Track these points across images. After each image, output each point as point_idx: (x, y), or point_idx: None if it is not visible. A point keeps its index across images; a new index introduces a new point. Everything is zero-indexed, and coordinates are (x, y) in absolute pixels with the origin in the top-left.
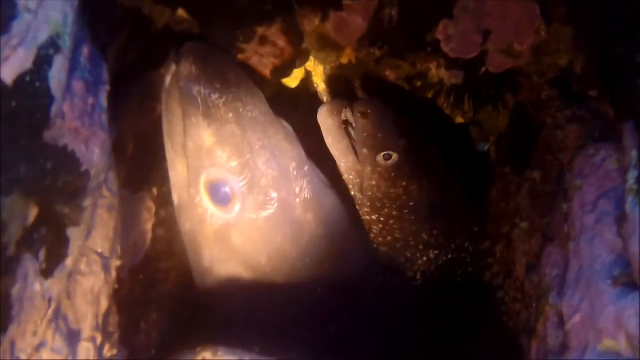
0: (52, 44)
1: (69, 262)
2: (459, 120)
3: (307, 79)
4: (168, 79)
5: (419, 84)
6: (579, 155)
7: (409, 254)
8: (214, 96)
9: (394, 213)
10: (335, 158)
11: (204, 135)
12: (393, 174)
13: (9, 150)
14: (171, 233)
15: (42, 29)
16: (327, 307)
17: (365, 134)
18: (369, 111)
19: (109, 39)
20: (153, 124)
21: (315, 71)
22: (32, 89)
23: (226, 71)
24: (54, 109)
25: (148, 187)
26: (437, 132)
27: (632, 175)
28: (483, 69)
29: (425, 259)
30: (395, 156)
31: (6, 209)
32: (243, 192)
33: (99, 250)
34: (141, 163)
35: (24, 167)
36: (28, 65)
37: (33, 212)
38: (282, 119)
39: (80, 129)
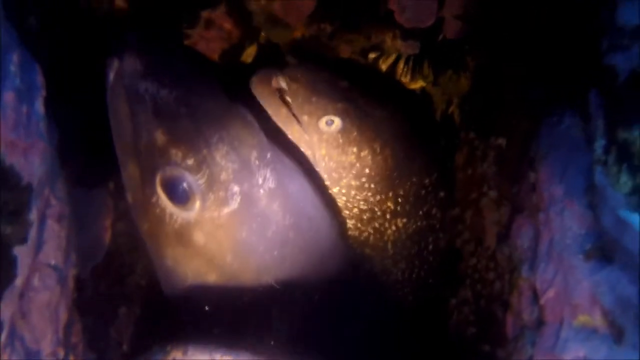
0: None
1: (18, 281)
2: (420, 83)
3: (261, 55)
4: (111, 75)
5: (373, 56)
6: (544, 123)
7: (377, 225)
8: (163, 92)
9: (353, 183)
10: (282, 130)
11: (155, 134)
12: (340, 141)
13: None
14: (132, 226)
15: None
16: (301, 296)
17: (299, 99)
18: (299, 75)
19: (43, 36)
20: (102, 116)
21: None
22: None
23: (174, 62)
24: None
25: (104, 182)
26: (390, 96)
27: (599, 145)
28: (440, 36)
29: (394, 228)
30: (337, 121)
31: None
32: (202, 190)
33: (52, 263)
34: (94, 158)
35: None
36: None
37: None
38: (238, 105)
39: (16, 141)
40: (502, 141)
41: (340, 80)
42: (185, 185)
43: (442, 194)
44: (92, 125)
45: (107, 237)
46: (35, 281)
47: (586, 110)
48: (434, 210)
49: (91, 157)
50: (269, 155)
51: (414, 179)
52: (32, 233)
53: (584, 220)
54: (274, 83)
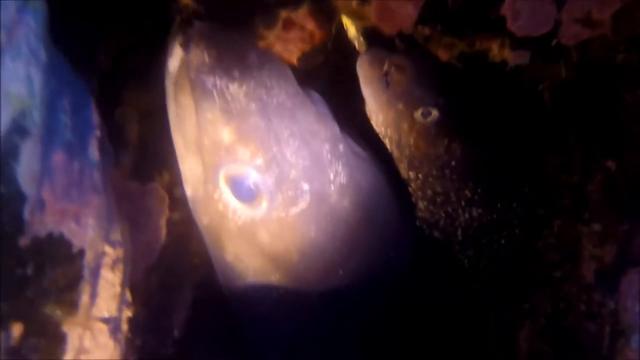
0: (17, 129)
1: (68, 356)
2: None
3: (339, 33)
4: (172, 64)
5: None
6: None
7: (449, 209)
8: (233, 87)
9: (434, 172)
10: (371, 112)
11: (223, 132)
12: (433, 132)
13: None
14: (187, 215)
15: (2, 112)
16: (372, 298)
17: (400, 89)
18: (406, 65)
19: (98, 38)
20: (156, 106)
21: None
22: None
23: (245, 53)
24: (28, 208)
25: (159, 174)
26: (483, 82)
27: None
28: (554, 42)
29: (467, 216)
30: (435, 112)
31: None
32: (270, 190)
33: (105, 316)
34: (148, 148)
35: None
36: None
37: (17, 331)
38: (312, 93)
39: (66, 207)
40: (611, 164)
41: (445, 71)
42: (251, 183)
43: (527, 190)
44: (146, 112)
45: (162, 236)
46: (87, 341)
47: None
48: (515, 205)
49: (145, 148)
50: (341, 147)
51: (500, 173)
52: (84, 298)
53: None
54: (386, 67)
